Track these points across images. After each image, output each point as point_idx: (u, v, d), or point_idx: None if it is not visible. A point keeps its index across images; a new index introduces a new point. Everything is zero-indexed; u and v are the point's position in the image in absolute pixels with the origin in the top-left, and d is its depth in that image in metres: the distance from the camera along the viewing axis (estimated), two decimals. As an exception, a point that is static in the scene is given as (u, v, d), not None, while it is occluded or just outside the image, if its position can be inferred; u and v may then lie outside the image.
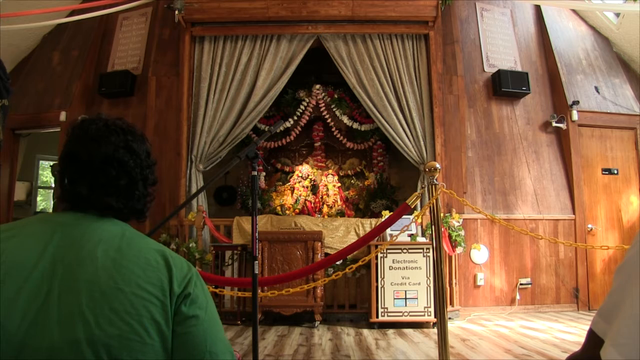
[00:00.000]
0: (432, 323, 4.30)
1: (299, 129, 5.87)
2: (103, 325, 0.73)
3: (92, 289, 0.76)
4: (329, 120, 5.88)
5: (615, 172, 5.61)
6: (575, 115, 5.49)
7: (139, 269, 0.80)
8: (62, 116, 5.50)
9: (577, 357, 0.70)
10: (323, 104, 5.77)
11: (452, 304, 4.80)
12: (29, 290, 0.74)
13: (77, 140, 0.90)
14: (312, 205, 5.93)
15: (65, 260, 0.78)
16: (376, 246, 4.34)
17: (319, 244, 4.45)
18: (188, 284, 0.84)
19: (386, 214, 4.88)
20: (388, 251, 4.38)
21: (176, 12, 5.12)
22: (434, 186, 2.82)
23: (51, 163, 7.99)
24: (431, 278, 4.32)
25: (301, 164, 6.28)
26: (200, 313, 0.83)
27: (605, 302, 0.67)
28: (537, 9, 6.03)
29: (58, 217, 0.86)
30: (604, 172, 5.58)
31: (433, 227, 2.82)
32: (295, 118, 5.79)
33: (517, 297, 5.11)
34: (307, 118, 5.81)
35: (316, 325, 4.38)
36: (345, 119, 5.75)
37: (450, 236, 4.80)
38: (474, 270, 5.11)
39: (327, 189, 5.95)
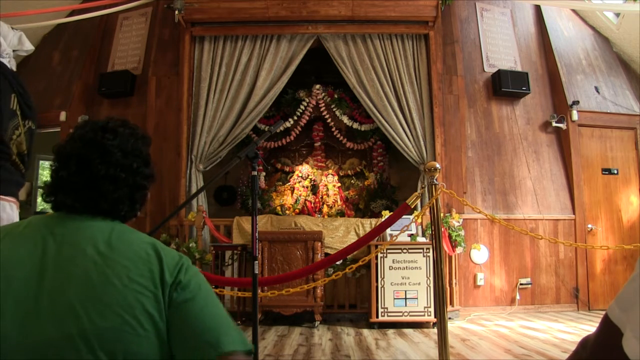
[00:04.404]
0: (432, 323, 4.30)
1: (299, 129, 5.87)
2: (95, 319, 0.74)
3: (83, 284, 0.76)
4: (329, 120, 5.87)
5: (615, 172, 5.61)
6: (575, 115, 5.49)
7: (130, 262, 0.80)
8: (62, 116, 5.50)
9: (591, 340, 0.69)
10: (323, 104, 5.77)
11: (452, 304, 4.80)
12: (20, 290, 0.74)
13: None
14: (312, 205, 5.93)
15: (56, 258, 0.79)
16: (376, 246, 4.34)
17: (319, 244, 4.45)
18: (179, 272, 0.84)
19: (386, 214, 4.88)
20: (388, 251, 4.38)
21: (176, 12, 5.12)
22: (434, 186, 2.82)
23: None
24: (431, 278, 4.32)
25: (301, 164, 6.28)
26: (191, 296, 0.82)
27: (624, 289, 0.63)
28: (537, 9, 6.03)
29: (47, 218, 0.88)
30: (604, 172, 5.58)
31: (433, 227, 2.82)
32: (295, 118, 5.78)
33: (517, 297, 5.11)
34: (307, 118, 5.81)
35: (316, 325, 4.38)
36: (345, 119, 5.75)
37: (450, 236, 4.80)
38: (474, 270, 5.11)
39: (327, 189, 5.95)
